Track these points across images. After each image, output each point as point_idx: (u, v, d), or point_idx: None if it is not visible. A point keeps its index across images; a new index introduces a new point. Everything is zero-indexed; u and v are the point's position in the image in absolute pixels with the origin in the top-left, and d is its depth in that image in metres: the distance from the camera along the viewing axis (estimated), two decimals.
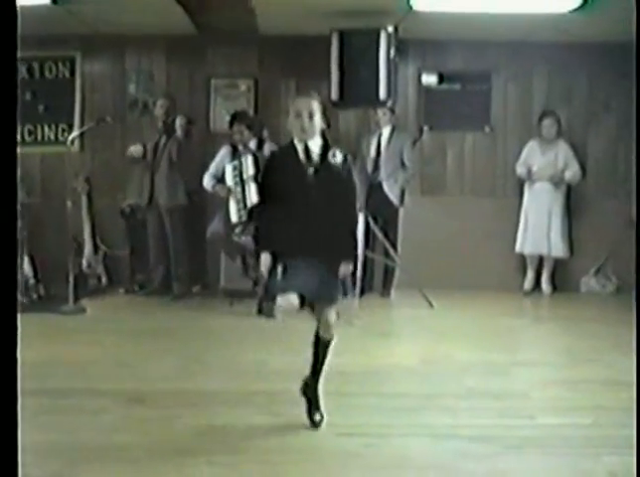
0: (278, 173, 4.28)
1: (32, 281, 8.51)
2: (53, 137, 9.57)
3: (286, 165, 4.28)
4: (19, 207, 8.26)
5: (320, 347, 4.50)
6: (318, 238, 4.17)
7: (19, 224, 8.28)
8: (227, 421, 4.59)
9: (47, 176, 9.40)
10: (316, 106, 4.24)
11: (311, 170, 4.24)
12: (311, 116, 4.21)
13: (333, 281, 4.25)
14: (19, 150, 8.06)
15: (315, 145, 4.26)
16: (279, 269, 4.17)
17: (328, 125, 4.31)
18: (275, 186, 4.27)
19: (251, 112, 9.11)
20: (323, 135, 4.30)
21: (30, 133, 9.56)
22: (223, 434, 4.36)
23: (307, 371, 4.54)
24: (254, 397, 5.00)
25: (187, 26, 8.59)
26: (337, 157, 4.25)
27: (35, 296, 8.41)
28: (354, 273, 4.30)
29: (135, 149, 8.74)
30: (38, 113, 9.53)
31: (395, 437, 4.32)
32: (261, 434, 4.34)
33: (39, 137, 9.59)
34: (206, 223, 8.45)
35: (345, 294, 4.33)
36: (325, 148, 4.27)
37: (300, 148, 4.27)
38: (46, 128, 9.58)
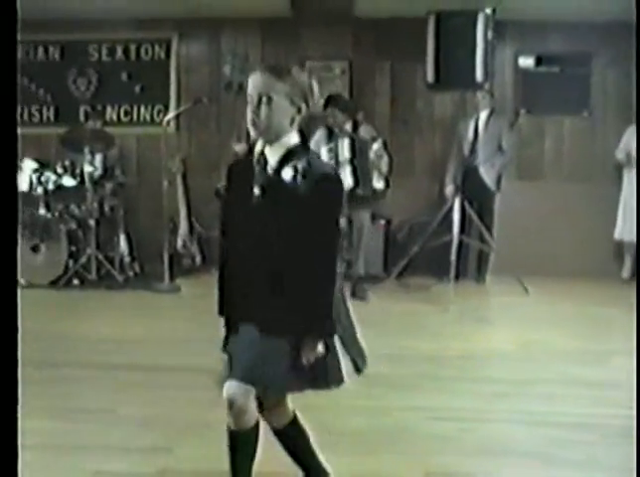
0: (229, 195, 2.90)
1: (127, 259, 8.66)
2: (149, 118, 9.70)
3: (238, 182, 2.83)
4: (116, 186, 8.43)
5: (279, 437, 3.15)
6: (267, 297, 2.74)
7: (115, 202, 8.44)
8: (322, 402, 4.57)
9: (143, 156, 9.53)
10: (280, 87, 2.67)
11: (257, 191, 2.72)
12: (267, 102, 2.67)
13: (288, 364, 2.74)
14: (116, 130, 8.16)
15: (276, 151, 2.72)
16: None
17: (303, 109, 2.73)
18: (224, 215, 2.91)
19: (346, 95, 9.07)
20: (302, 135, 2.77)
21: (126, 114, 9.71)
22: (318, 415, 4.35)
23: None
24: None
25: (283, 7, 8.60)
26: (298, 171, 2.65)
27: (131, 274, 8.55)
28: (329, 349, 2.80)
29: (240, 148, 8.76)
30: (134, 94, 9.67)
31: (490, 423, 4.26)
32: (357, 416, 4.33)
33: (135, 118, 9.73)
34: None
35: (316, 385, 2.86)
36: (290, 156, 2.70)
37: (255, 155, 2.78)
38: (142, 109, 9.72)
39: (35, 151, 8.87)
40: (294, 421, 3.10)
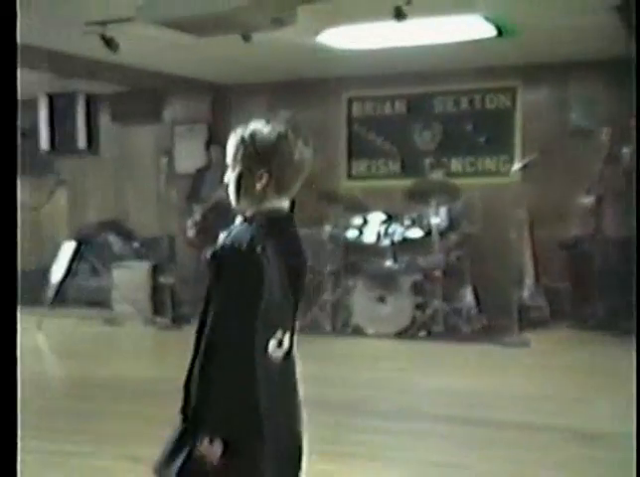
0: None
1: (474, 311, 8.54)
2: (493, 168, 9.59)
3: None
4: (462, 237, 8.37)
5: None
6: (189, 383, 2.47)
7: (461, 253, 8.39)
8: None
9: (488, 207, 9.41)
10: (240, 154, 2.50)
11: None
12: (232, 170, 2.53)
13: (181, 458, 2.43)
14: (461, 182, 8.07)
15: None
16: None
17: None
18: None
19: None
20: (293, 205, 2.56)
21: (471, 165, 9.67)
22: None
23: None
24: None
25: (631, 47, 8.19)
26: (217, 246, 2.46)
27: (478, 326, 8.41)
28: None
29: (589, 201, 8.40)
30: (479, 145, 9.61)
31: None
32: None
33: (479, 168, 9.65)
34: None
35: None
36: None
37: None
38: (487, 160, 9.63)
39: (382, 204, 9.05)
40: None
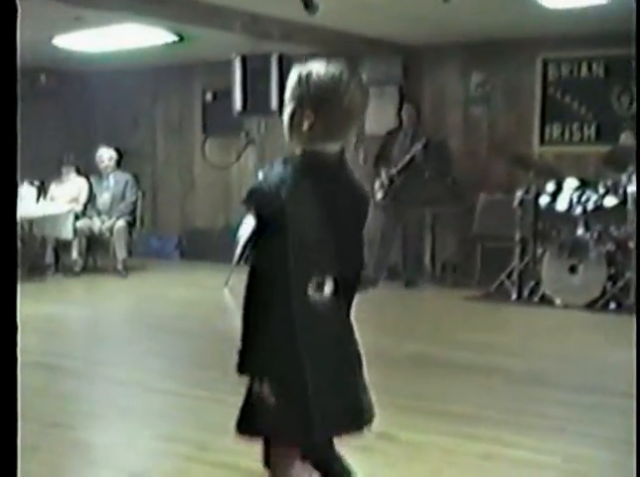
0: None
1: None
2: None
3: None
4: None
5: None
6: None
7: None
8: None
9: None
10: (296, 88, 2.53)
11: None
12: (287, 104, 2.58)
13: None
14: None
15: None
16: None
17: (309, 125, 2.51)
18: None
19: None
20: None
21: None
22: None
23: None
24: None
25: None
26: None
27: None
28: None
29: None
30: None
31: None
32: None
33: None
34: None
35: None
36: None
37: None
38: None
39: (575, 170, 8.77)
40: None
